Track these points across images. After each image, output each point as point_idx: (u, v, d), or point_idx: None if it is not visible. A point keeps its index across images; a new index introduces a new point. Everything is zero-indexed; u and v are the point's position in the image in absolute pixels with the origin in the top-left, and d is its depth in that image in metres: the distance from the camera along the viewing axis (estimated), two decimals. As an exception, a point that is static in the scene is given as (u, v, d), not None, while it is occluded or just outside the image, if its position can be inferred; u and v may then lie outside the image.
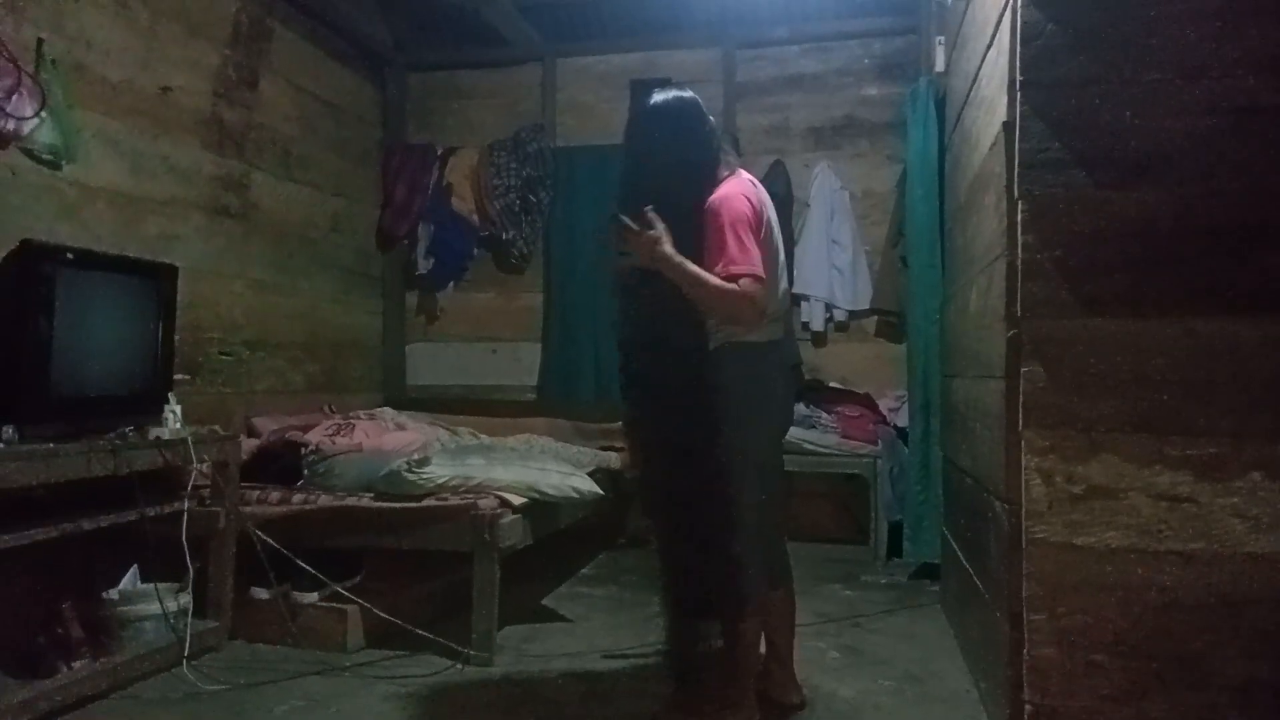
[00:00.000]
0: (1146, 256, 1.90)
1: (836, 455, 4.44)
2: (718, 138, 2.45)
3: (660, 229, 2.23)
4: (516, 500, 3.02)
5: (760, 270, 2.22)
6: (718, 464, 2.26)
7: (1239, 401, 1.84)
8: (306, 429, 3.75)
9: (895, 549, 4.18)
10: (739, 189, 2.33)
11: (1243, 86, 1.86)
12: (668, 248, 2.22)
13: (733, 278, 2.19)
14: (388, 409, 4.59)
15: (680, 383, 2.28)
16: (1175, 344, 1.88)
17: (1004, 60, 2.15)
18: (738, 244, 2.21)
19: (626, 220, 2.25)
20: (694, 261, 2.23)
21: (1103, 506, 1.90)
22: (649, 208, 2.24)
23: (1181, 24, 1.89)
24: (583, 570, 4.13)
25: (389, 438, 3.76)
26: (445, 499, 2.98)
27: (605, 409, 4.88)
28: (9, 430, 2.34)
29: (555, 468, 3.32)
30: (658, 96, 2.40)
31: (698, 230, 2.25)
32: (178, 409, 2.86)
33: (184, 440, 2.76)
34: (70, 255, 2.60)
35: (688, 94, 2.41)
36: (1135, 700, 1.87)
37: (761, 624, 2.41)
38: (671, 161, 2.32)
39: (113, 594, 2.79)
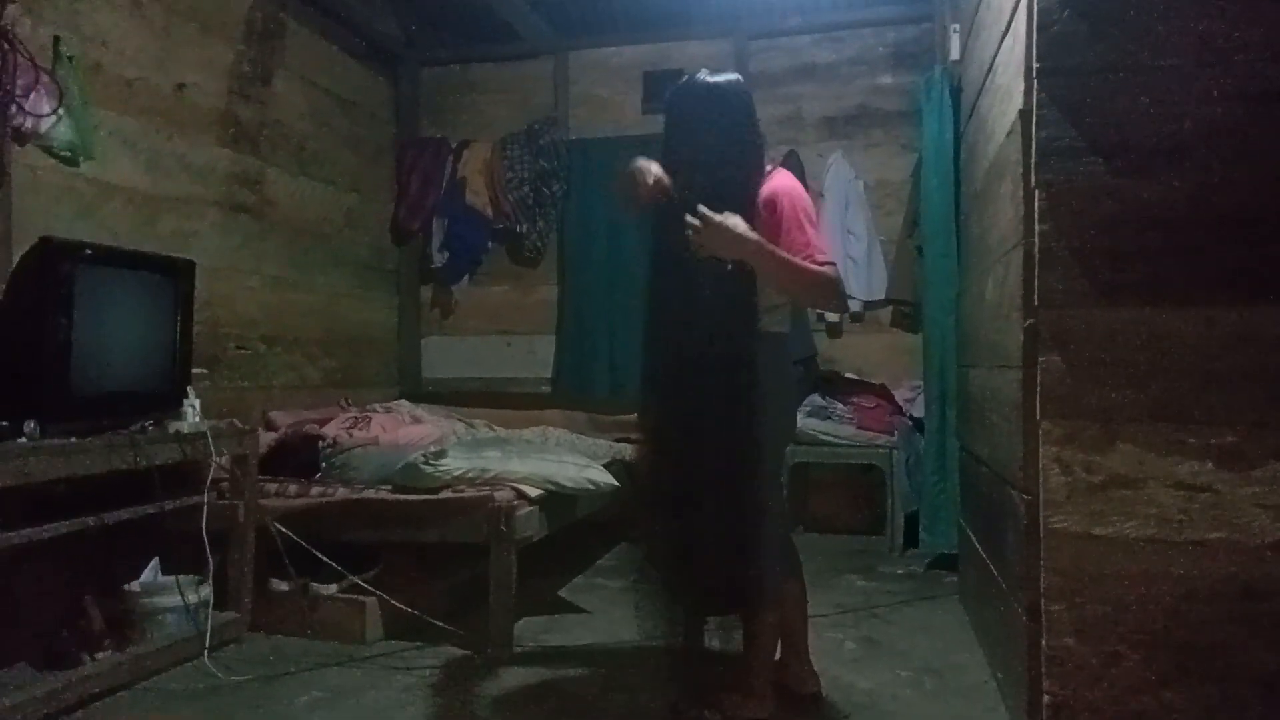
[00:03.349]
0: (1165, 245, 1.88)
1: (852, 446, 4.43)
2: (759, 128, 2.41)
3: (736, 218, 2.13)
4: (533, 492, 3.03)
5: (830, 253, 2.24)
6: (752, 454, 2.25)
7: (1259, 390, 1.83)
8: (324, 423, 3.77)
9: (912, 540, 4.16)
10: (793, 181, 2.32)
11: (1263, 73, 1.84)
12: (751, 232, 2.14)
13: (820, 265, 2.18)
14: (404, 402, 4.61)
15: (729, 371, 2.23)
16: (1194, 333, 1.87)
17: (1020, 47, 2.14)
18: (815, 232, 2.22)
19: (698, 217, 2.12)
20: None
21: (1122, 496, 1.89)
22: (700, 209, 2.13)
23: (1200, 9, 1.87)
24: (599, 562, 4.14)
25: (405, 431, 3.78)
26: (462, 491, 2.99)
27: (620, 401, 4.89)
28: (31, 425, 2.36)
29: (571, 460, 3.32)
30: (711, 78, 2.32)
31: (747, 220, 2.20)
32: (197, 403, 2.88)
33: (203, 434, 2.78)
34: (89, 252, 2.62)
35: (738, 77, 2.37)
36: (1155, 691, 1.86)
37: (780, 616, 2.42)
38: (728, 148, 2.25)
39: (134, 587, 2.82)
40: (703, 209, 2.13)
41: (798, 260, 2.17)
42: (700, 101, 2.31)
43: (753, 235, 2.14)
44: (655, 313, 2.41)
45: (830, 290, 2.24)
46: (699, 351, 2.26)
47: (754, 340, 2.25)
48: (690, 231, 2.14)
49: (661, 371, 2.39)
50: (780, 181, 2.30)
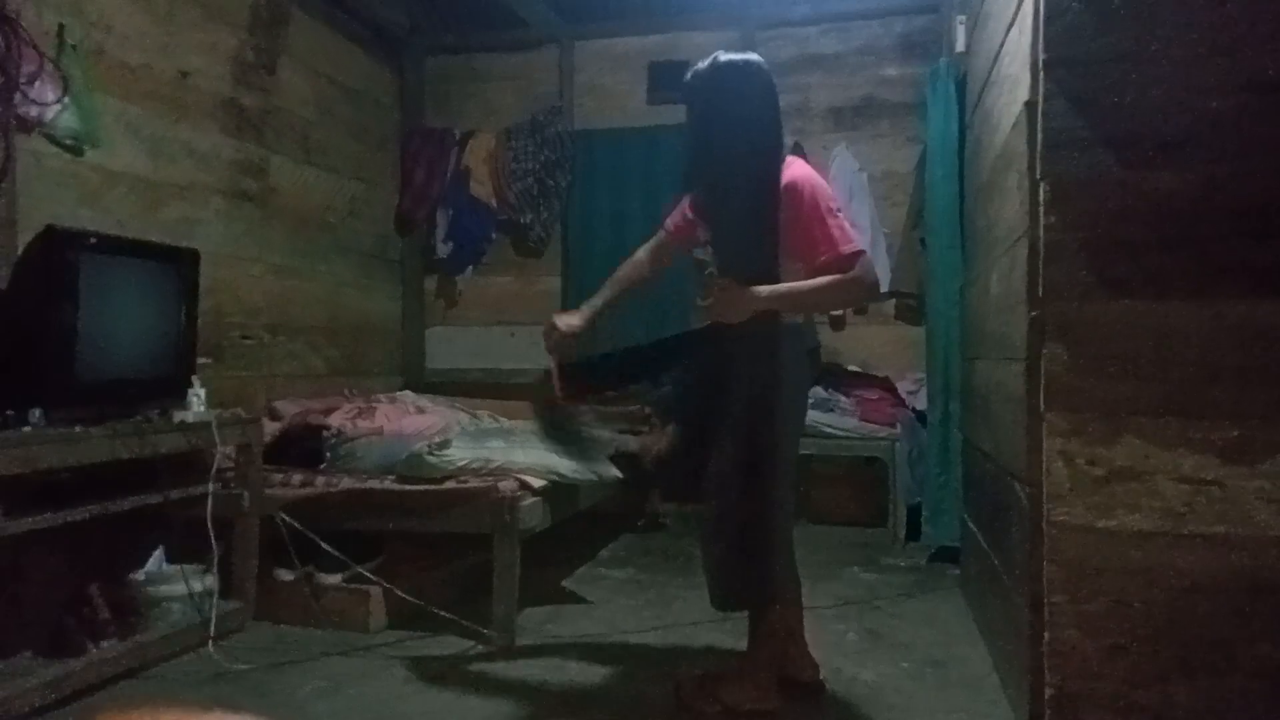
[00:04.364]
0: (1171, 238, 1.88)
1: (855, 438, 4.43)
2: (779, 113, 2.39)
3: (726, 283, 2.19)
4: (536, 483, 3.03)
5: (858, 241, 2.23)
6: (773, 449, 2.25)
7: (1265, 383, 1.83)
8: (328, 412, 3.77)
9: (914, 532, 4.16)
10: (810, 170, 2.31)
11: (1273, 64, 1.83)
12: (754, 290, 2.17)
13: (844, 258, 2.17)
14: (408, 392, 4.61)
15: (754, 366, 2.23)
16: (1200, 326, 1.86)
17: (1026, 39, 2.13)
18: (838, 224, 2.21)
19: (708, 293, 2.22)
20: (772, 241, 2.21)
21: (1126, 489, 1.89)
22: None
23: (1209, 0, 1.86)
24: (602, 553, 4.15)
25: (409, 421, 3.78)
26: (466, 481, 3.00)
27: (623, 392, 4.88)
28: (36, 414, 2.36)
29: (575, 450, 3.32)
30: (734, 56, 2.30)
31: (773, 206, 2.21)
32: (201, 392, 2.88)
33: (207, 423, 2.78)
34: (93, 240, 2.62)
35: (756, 57, 2.34)
36: (1158, 684, 1.86)
37: (786, 610, 2.42)
38: (748, 128, 2.23)
39: (139, 575, 2.83)
40: (712, 280, 2.21)
41: (809, 285, 2.19)
42: (719, 81, 2.29)
43: (759, 292, 2.17)
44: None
45: (858, 289, 2.23)
46: (721, 345, 2.26)
47: (773, 335, 2.24)
48: (704, 305, 2.22)
49: (682, 364, 2.40)
50: (798, 171, 2.28)
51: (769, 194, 2.21)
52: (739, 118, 2.24)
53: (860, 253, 2.20)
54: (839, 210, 2.27)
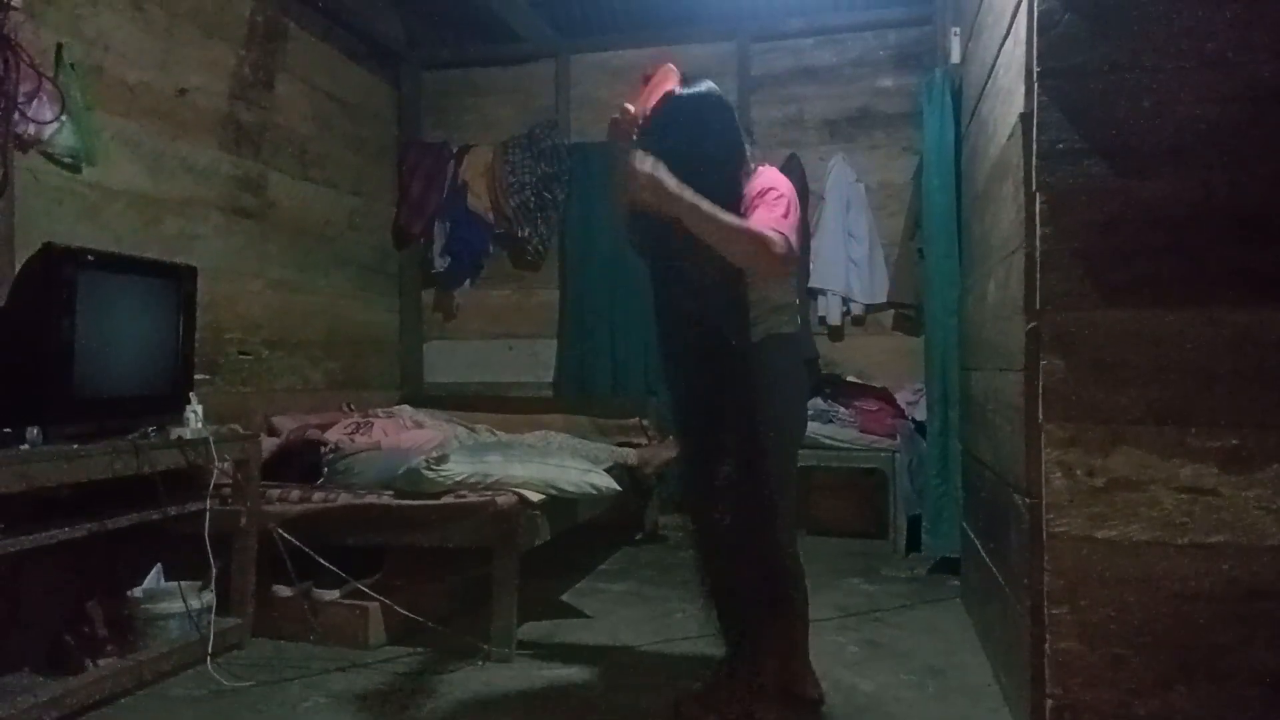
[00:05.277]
0: (1167, 246, 1.88)
1: (855, 449, 4.43)
2: (740, 129, 2.40)
3: (664, 171, 2.13)
4: (535, 497, 3.02)
5: (794, 238, 2.19)
6: (768, 461, 2.25)
7: (1263, 391, 1.83)
8: (325, 427, 3.77)
9: (914, 543, 4.16)
10: (777, 175, 2.32)
11: (1265, 73, 1.84)
12: (670, 179, 2.12)
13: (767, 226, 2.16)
14: (405, 407, 4.61)
15: (731, 377, 2.23)
16: (1197, 334, 1.86)
17: (1021, 50, 2.14)
18: (776, 211, 2.20)
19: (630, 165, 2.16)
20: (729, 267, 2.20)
21: (1124, 499, 1.89)
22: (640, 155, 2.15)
23: (1203, 9, 1.87)
24: (601, 566, 4.14)
25: (407, 436, 3.78)
26: (464, 496, 2.99)
27: (622, 405, 4.89)
28: (34, 431, 2.36)
29: (573, 464, 3.32)
30: (684, 92, 2.32)
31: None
32: (199, 409, 2.88)
33: (205, 440, 2.78)
34: (91, 258, 2.62)
35: (703, 87, 2.36)
36: (1158, 693, 1.86)
37: (790, 624, 2.42)
38: (702, 157, 2.25)
39: (137, 592, 2.82)
40: (636, 157, 2.15)
41: (724, 216, 2.14)
42: (675, 118, 2.32)
43: (674, 185, 2.12)
44: (660, 321, 2.42)
45: (752, 242, 2.14)
46: (697, 356, 2.26)
47: (748, 344, 2.25)
48: (625, 176, 2.15)
49: (670, 376, 2.40)
50: (763, 179, 2.31)
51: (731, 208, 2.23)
52: (699, 152, 2.26)
53: (784, 234, 2.16)
54: (785, 204, 2.25)
